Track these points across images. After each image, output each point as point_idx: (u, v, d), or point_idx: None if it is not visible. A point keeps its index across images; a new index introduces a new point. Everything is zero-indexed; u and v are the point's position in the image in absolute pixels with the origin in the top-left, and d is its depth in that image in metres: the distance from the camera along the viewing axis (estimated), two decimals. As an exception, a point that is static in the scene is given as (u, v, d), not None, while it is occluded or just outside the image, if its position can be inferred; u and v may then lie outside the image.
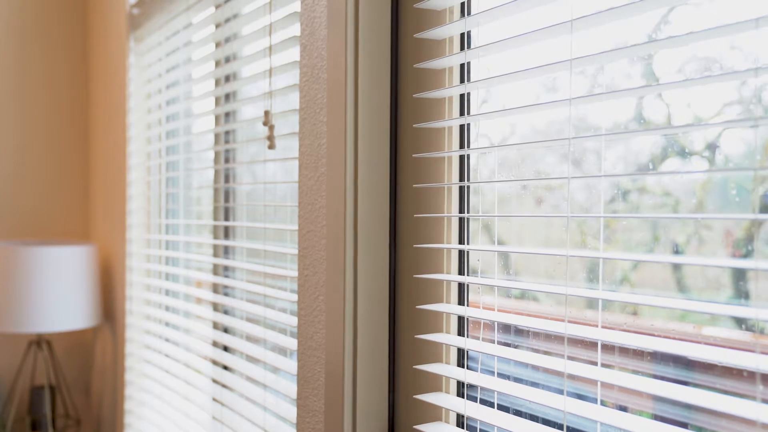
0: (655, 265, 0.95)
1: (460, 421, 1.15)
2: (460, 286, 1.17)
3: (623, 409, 0.97)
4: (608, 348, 0.95)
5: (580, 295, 0.92)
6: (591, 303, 0.97)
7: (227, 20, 1.80)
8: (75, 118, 2.91)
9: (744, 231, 0.85)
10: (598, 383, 0.93)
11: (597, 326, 0.91)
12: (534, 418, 1.05)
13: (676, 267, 0.93)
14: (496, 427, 1.05)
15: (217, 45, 1.91)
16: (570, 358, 0.93)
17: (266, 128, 1.46)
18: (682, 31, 0.79)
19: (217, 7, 1.83)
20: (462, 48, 1.15)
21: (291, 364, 1.45)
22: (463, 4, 1.13)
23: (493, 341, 1.10)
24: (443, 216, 1.14)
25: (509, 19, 1.04)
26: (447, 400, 1.12)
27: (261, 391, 1.59)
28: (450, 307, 1.14)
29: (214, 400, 1.83)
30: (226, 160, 1.94)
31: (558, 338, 1.02)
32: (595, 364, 0.93)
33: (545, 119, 1.08)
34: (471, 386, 1.11)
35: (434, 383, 1.17)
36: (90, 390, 2.88)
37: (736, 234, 0.86)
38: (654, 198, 0.96)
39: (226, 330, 1.91)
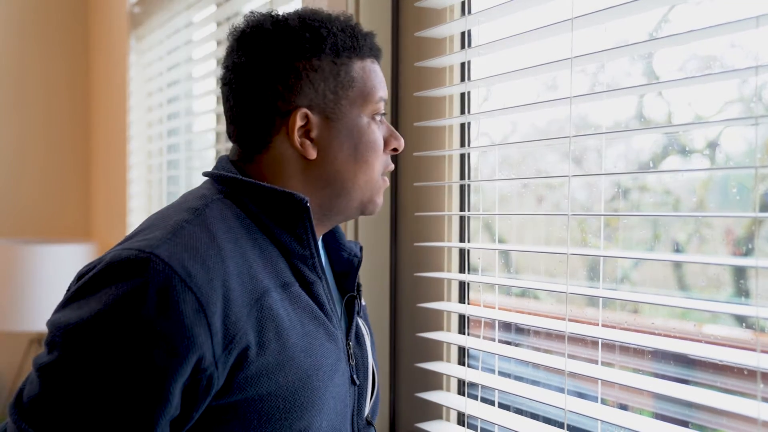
0: (656, 264, 0.96)
1: (461, 419, 1.15)
2: (461, 284, 1.17)
3: (624, 407, 0.97)
4: (609, 346, 0.95)
5: (581, 294, 0.92)
6: (592, 301, 0.97)
7: (228, 18, 1.80)
8: (75, 116, 2.91)
9: (744, 229, 0.85)
10: (599, 381, 0.93)
11: (598, 324, 0.91)
12: (535, 416, 1.05)
13: (677, 265, 0.93)
14: (496, 426, 1.05)
15: (218, 43, 1.91)
16: (570, 356, 0.93)
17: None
18: (682, 29, 0.79)
19: (218, 5, 1.83)
20: (462, 46, 1.15)
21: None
22: (463, 2, 1.13)
23: (493, 339, 1.10)
24: (444, 214, 1.14)
25: (510, 18, 1.04)
26: (448, 398, 1.13)
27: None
28: (451, 306, 1.14)
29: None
30: (227, 159, 1.94)
31: (559, 336, 1.02)
32: (595, 362, 0.93)
33: (546, 118, 1.08)
34: (472, 384, 1.11)
35: (435, 381, 1.17)
36: (91, 388, 2.88)
37: (736, 232, 0.86)
38: (655, 196, 0.96)
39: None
